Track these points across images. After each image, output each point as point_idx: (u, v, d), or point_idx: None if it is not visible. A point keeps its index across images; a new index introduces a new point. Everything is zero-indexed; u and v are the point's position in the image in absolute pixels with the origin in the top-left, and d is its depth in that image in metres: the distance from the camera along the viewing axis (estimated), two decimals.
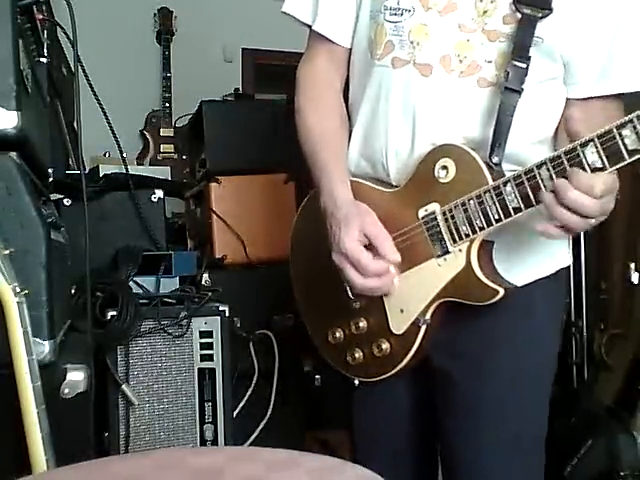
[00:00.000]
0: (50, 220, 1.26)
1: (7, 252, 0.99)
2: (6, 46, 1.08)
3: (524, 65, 1.09)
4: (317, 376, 2.24)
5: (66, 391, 1.40)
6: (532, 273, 1.20)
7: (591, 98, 1.16)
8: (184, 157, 3.73)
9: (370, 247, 1.15)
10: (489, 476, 1.22)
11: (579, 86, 1.17)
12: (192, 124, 2.56)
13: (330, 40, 1.30)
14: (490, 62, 1.13)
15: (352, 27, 1.28)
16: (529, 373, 1.21)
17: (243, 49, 4.14)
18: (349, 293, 1.25)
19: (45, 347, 1.15)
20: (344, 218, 1.16)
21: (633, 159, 0.95)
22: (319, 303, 1.35)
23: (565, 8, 1.10)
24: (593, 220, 1.00)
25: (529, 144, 1.16)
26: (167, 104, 3.98)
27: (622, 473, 1.91)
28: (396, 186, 1.21)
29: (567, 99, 1.19)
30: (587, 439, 1.97)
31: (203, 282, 1.98)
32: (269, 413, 2.09)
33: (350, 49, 1.30)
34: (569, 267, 1.28)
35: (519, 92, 1.10)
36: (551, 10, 1.09)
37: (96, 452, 1.49)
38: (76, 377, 1.42)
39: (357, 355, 1.27)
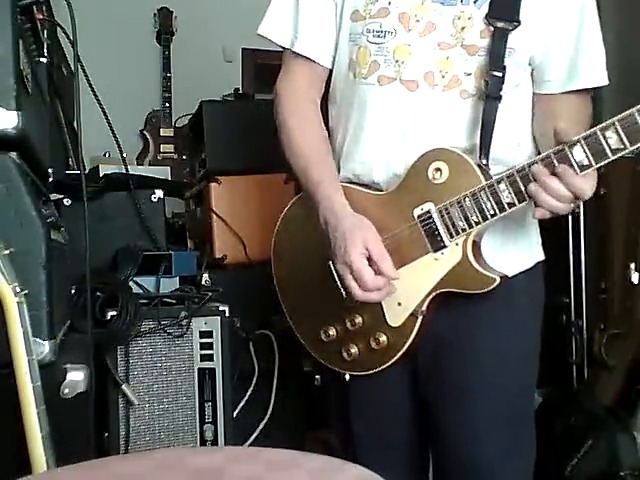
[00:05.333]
0: (50, 220, 1.26)
1: (7, 252, 0.99)
2: (6, 46, 1.08)
3: (500, 74, 1.21)
4: (317, 376, 2.24)
5: (66, 391, 1.40)
6: (512, 269, 1.28)
7: (563, 94, 1.29)
8: (184, 157, 3.72)
9: (371, 260, 1.20)
10: (485, 460, 1.28)
11: (551, 84, 1.29)
12: (192, 124, 2.56)
13: (312, 60, 1.36)
14: (469, 75, 1.23)
15: (332, 48, 1.36)
16: (513, 358, 1.29)
17: (243, 49, 4.14)
18: (343, 293, 1.29)
19: (45, 347, 1.15)
20: (349, 230, 1.21)
21: (616, 157, 1.07)
22: (309, 303, 1.39)
23: (532, 19, 1.23)
24: (573, 205, 1.12)
25: (510, 146, 1.27)
26: (167, 104, 3.97)
27: (622, 473, 1.91)
28: (386, 190, 1.28)
29: (539, 96, 1.30)
30: (587, 439, 1.96)
31: (203, 282, 1.98)
32: (269, 413, 2.09)
33: (330, 70, 1.38)
34: (544, 262, 1.38)
35: (499, 99, 1.22)
36: (519, 22, 1.21)
37: (96, 452, 1.49)
38: (76, 377, 1.42)
39: (352, 350, 1.31)
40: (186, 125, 3.12)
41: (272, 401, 2.09)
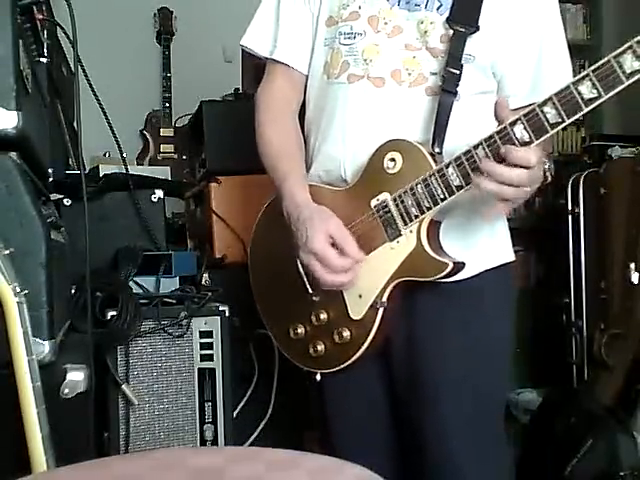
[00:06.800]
0: (50, 220, 1.26)
1: (7, 252, 0.99)
2: (6, 46, 1.08)
3: (457, 72, 1.25)
4: (317, 376, 2.24)
5: (66, 391, 1.40)
6: (479, 265, 1.32)
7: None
8: (184, 157, 3.72)
9: (335, 246, 1.24)
10: (453, 458, 1.30)
11: (514, 98, 1.30)
12: (192, 124, 2.56)
13: (289, 66, 1.43)
14: (435, 74, 1.28)
15: (309, 55, 1.42)
16: (481, 355, 1.31)
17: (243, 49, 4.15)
18: (309, 289, 1.34)
19: (45, 347, 1.15)
20: (309, 220, 1.26)
21: (555, 131, 1.11)
22: (279, 302, 1.42)
23: (492, 27, 1.27)
24: (528, 188, 1.13)
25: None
26: (167, 104, 3.97)
27: (622, 473, 1.91)
28: (349, 184, 1.32)
29: None
30: (587, 439, 1.97)
31: (203, 282, 1.98)
32: (269, 413, 2.09)
33: (307, 76, 1.43)
34: (514, 263, 1.42)
35: (454, 94, 1.26)
36: (478, 28, 1.26)
37: (96, 452, 1.49)
38: (76, 377, 1.42)
39: (319, 347, 1.34)
40: (186, 125, 3.13)
41: (272, 401, 2.10)
